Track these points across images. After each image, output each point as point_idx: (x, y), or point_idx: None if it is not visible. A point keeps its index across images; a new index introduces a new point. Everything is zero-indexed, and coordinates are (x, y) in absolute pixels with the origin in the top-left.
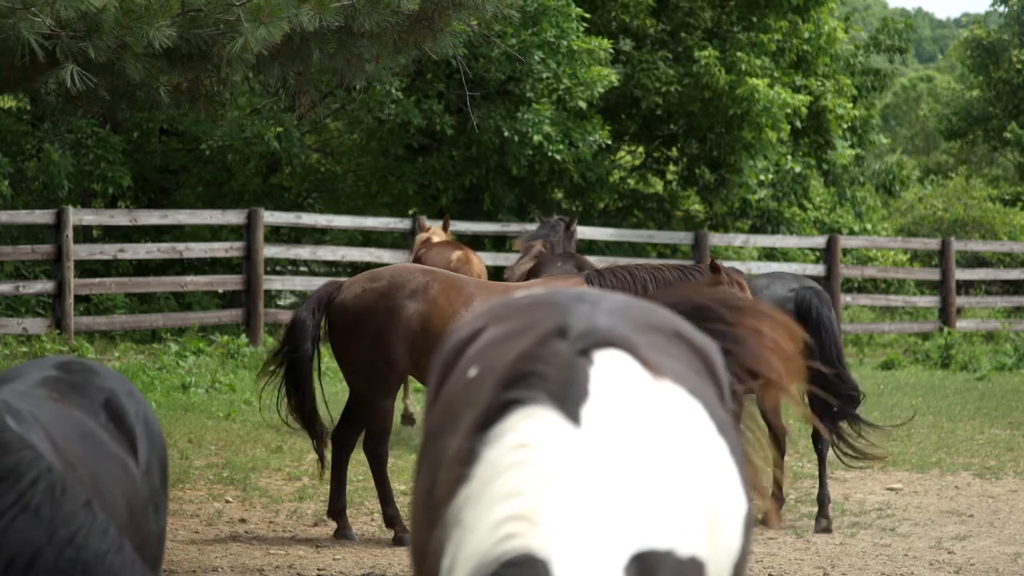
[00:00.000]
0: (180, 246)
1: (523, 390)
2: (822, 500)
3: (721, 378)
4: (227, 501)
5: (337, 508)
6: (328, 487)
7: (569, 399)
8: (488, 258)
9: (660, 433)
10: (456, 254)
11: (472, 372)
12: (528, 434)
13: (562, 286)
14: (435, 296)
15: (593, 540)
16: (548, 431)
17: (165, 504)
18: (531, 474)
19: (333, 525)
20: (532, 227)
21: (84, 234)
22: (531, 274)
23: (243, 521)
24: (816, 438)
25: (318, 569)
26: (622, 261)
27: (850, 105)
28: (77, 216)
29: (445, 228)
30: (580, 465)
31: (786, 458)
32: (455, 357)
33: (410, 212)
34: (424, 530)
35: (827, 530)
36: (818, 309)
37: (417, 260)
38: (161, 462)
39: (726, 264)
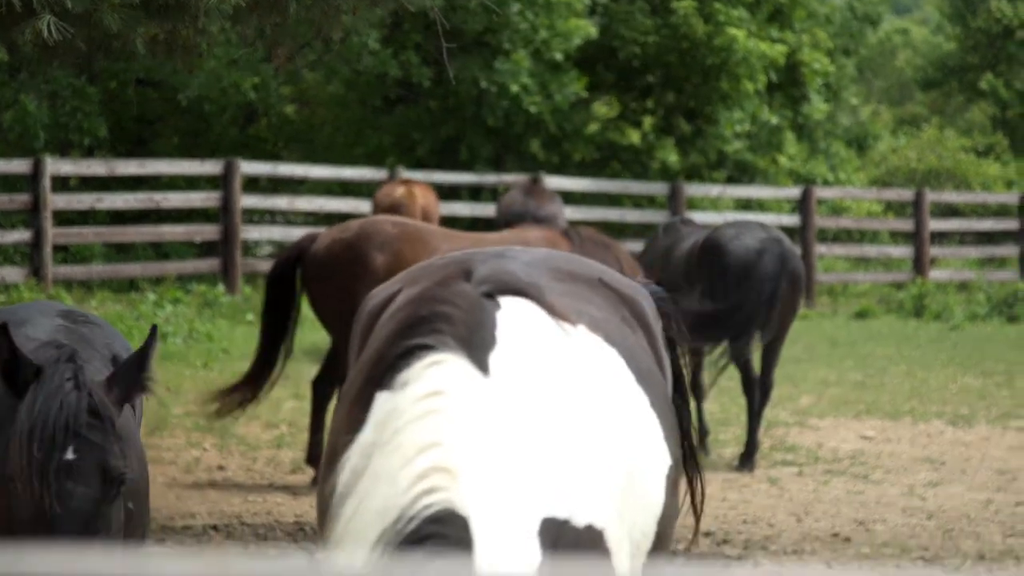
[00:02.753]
0: (157, 196)
1: (429, 335)
2: (750, 445)
3: (651, 326)
4: (205, 449)
5: (315, 455)
6: (306, 435)
7: (477, 346)
8: (465, 208)
9: (570, 387)
10: (400, 190)
11: (385, 332)
12: (439, 382)
13: (537, 238)
14: (400, 248)
15: (507, 500)
16: (459, 379)
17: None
18: (446, 424)
19: (311, 472)
20: (509, 178)
21: (61, 184)
22: None
23: (221, 468)
24: (748, 387)
25: (296, 516)
26: (598, 212)
27: (826, 60)
28: (54, 166)
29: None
30: (492, 419)
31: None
32: (371, 322)
33: (387, 163)
34: (326, 482)
35: (750, 471)
36: (783, 261)
37: (373, 207)
38: (139, 419)
39: (701, 215)
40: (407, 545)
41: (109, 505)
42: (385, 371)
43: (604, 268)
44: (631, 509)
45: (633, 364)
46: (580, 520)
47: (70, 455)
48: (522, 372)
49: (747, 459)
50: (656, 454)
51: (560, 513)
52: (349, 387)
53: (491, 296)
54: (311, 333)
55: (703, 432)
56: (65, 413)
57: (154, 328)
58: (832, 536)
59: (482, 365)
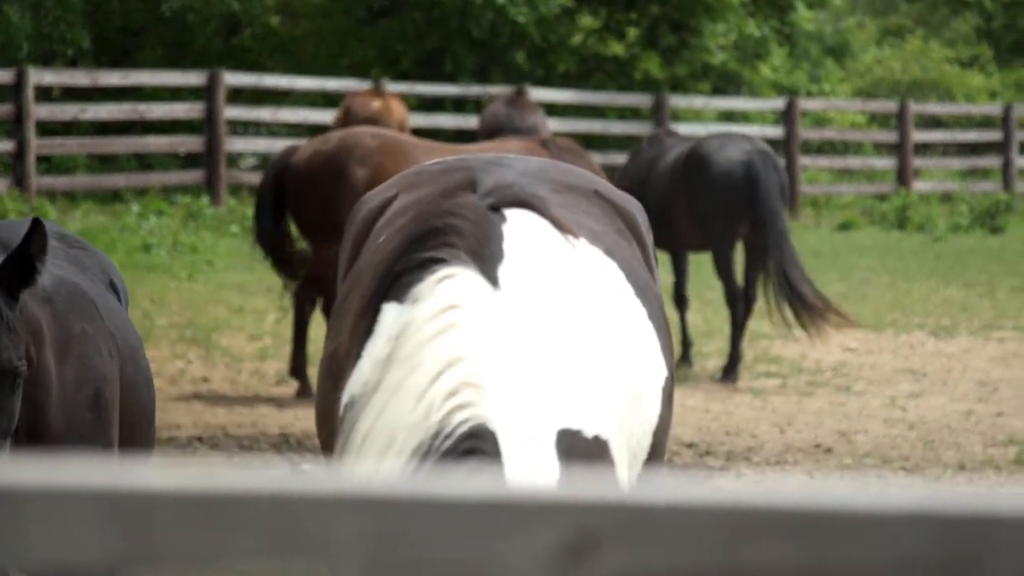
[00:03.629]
0: (141, 107)
1: (441, 248)
2: (733, 357)
3: (644, 238)
4: (189, 361)
5: (298, 367)
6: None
7: (487, 259)
8: (449, 120)
9: (577, 300)
10: (376, 103)
11: (381, 239)
12: (454, 295)
13: (517, 147)
14: (381, 161)
15: (527, 413)
16: (473, 293)
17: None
18: (467, 338)
19: (295, 384)
20: (493, 90)
21: (44, 94)
22: None
23: (205, 380)
24: (731, 299)
25: (280, 427)
26: (582, 124)
27: None
28: (37, 76)
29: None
30: (506, 333)
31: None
32: (367, 228)
33: (372, 75)
34: (330, 393)
35: (733, 382)
36: (767, 173)
37: (345, 113)
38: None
39: (685, 127)
40: (447, 459)
41: (6, 398)
42: (393, 283)
43: (599, 179)
44: (631, 420)
45: (632, 277)
46: (589, 431)
47: None
48: (530, 285)
49: (730, 371)
50: (654, 367)
51: (573, 424)
52: (348, 297)
53: (496, 208)
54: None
55: (686, 344)
56: None
57: (36, 220)
58: (814, 447)
59: (492, 279)
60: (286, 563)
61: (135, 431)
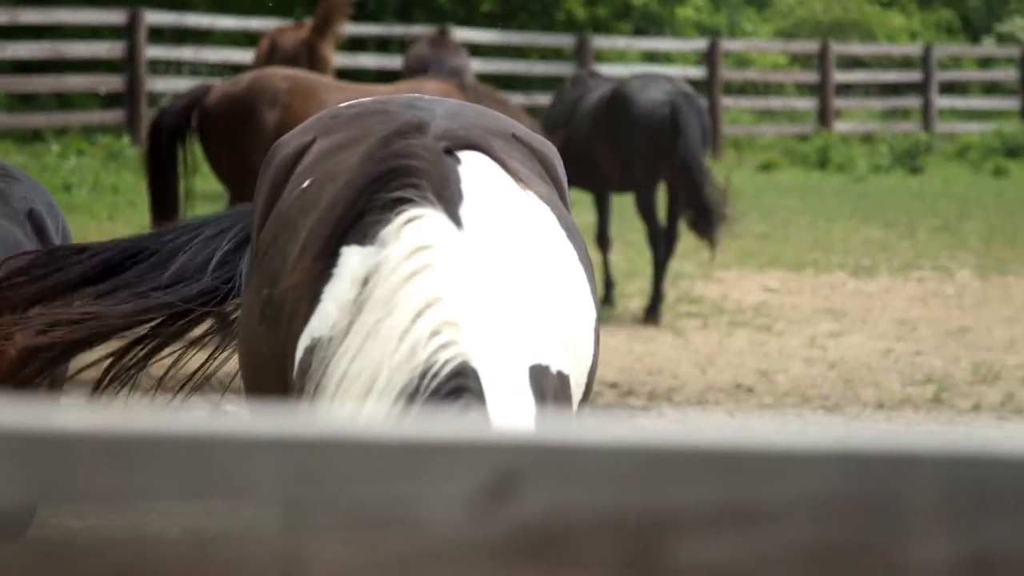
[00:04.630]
0: (61, 45)
1: (407, 189)
2: (655, 297)
3: (561, 181)
4: None
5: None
6: None
7: (448, 199)
8: (371, 60)
9: (529, 241)
10: (300, 34)
11: (306, 184)
12: (425, 236)
13: (431, 89)
14: (291, 102)
15: (502, 351)
16: (441, 233)
17: None
18: (442, 277)
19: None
20: (416, 30)
21: None
22: None
23: None
24: (653, 239)
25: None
26: (505, 65)
27: None
28: None
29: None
30: (475, 272)
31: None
32: (285, 174)
33: (295, 14)
34: (263, 339)
35: (655, 323)
36: (688, 113)
37: (269, 47)
38: None
39: (608, 68)
40: (435, 398)
41: None
42: (353, 224)
43: (514, 122)
44: (574, 359)
45: (561, 220)
46: (555, 367)
47: None
48: (489, 226)
49: (652, 311)
50: (587, 307)
51: (542, 360)
52: (279, 242)
53: (449, 151)
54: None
55: (609, 284)
56: None
57: None
58: (735, 387)
59: (456, 219)
60: (205, 504)
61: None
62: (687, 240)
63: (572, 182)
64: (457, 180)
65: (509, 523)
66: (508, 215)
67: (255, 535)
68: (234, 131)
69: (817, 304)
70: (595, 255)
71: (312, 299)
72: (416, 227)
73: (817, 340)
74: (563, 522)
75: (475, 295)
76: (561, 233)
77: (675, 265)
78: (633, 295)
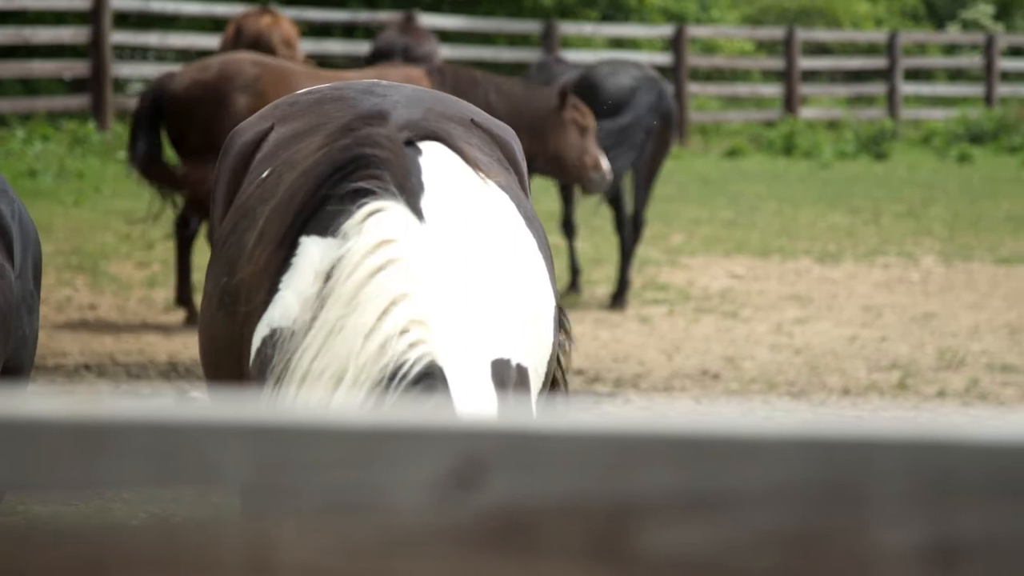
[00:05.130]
0: (26, 31)
1: (369, 180)
2: (622, 284)
3: (521, 167)
4: (76, 288)
5: (184, 295)
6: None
7: (410, 191)
8: (338, 47)
9: (489, 233)
10: (266, 19)
11: (265, 173)
12: (388, 230)
13: (397, 76)
14: (264, 89)
15: (466, 347)
16: (404, 227)
17: (38, 306)
18: (408, 274)
19: (183, 312)
20: (383, 16)
21: None
22: None
23: (92, 307)
24: (620, 225)
25: (168, 355)
26: (472, 51)
27: None
28: None
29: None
30: (438, 266)
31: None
32: (244, 162)
33: None
34: (221, 326)
35: (621, 309)
36: (657, 98)
37: (235, 32)
38: (35, 262)
39: (574, 54)
40: (407, 398)
41: None
42: (314, 214)
43: (474, 108)
44: (533, 349)
45: (521, 208)
46: (514, 360)
47: None
48: (450, 219)
49: (618, 297)
50: (547, 296)
51: (503, 354)
52: (238, 231)
53: (410, 141)
54: None
55: (575, 271)
56: None
57: None
58: (701, 373)
59: (418, 212)
60: (172, 490)
61: (17, 356)
62: (653, 227)
63: (539, 169)
64: (418, 171)
65: (475, 510)
66: (468, 207)
67: (223, 521)
68: (204, 117)
69: (783, 290)
70: (561, 242)
71: (270, 288)
72: (379, 220)
73: (783, 326)
74: (529, 509)
75: (440, 291)
76: (520, 222)
77: (641, 252)
78: (599, 282)
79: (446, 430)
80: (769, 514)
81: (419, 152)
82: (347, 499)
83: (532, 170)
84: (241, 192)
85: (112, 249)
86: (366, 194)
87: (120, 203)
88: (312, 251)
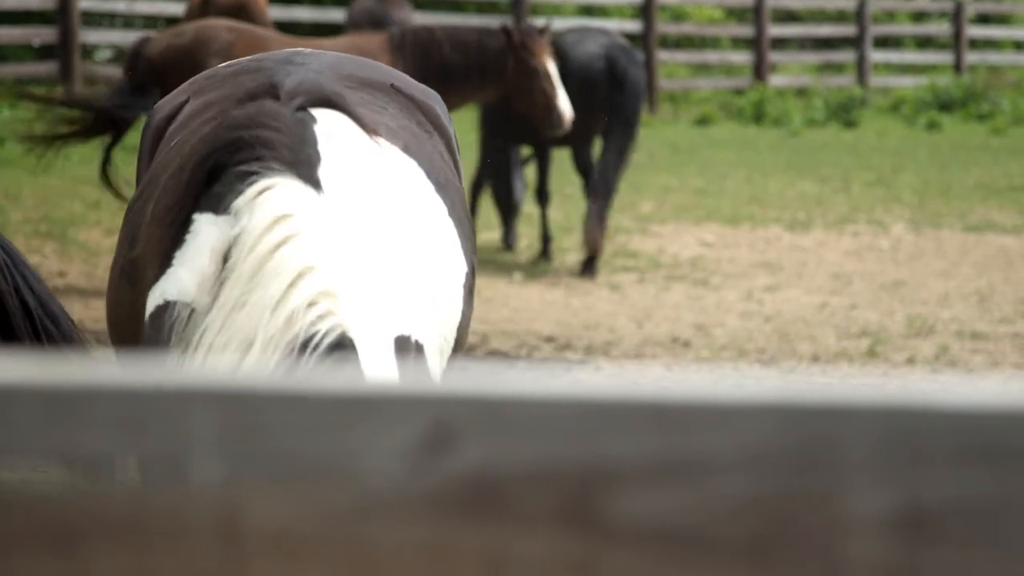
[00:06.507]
0: None
1: (252, 162)
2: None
3: (446, 129)
4: (45, 255)
5: None
6: None
7: (304, 163)
8: (307, 13)
9: (388, 201)
10: None
11: (173, 143)
12: (283, 205)
13: (365, 43)
14: (238, 55)
15: (373, 321)
16: (300, 200)
17: None
18: (310, 246)
19: None
20: None
21: None
22: None
23: (62, 275)
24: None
25: None
26: (441, 18)
27: None
28: None
29: None
30: (341, 237)
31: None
32: (158, 135)
33: None
34: (123, 295)
35: (592, 277)
36: (626, 67)
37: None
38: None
39: (543, 21)
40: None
41: None
42: (203, 192)
43: (395, 72)
44: (437, 319)
45: (432, 174)
46: (414, 336)
47: None
48: (348, 188)
49: (589, 265)
50: (455, 263)
51: (404, 330)
52: (146, 203)
53: (303, 108)
54: None
55: (546, 239)
56: None
57: None
58: (672, 340)
59: (314, 182)
60: (143, 458)
61: None
62: (624, 194)
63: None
64: (313, 141)
65: (446, 476)
66: (364, 174)
67: (193, 487)
68: (178, 82)
69: (753, 258)
70: (534, 210)
71: (163, 262)
72: (271, 196)
73: (753, 294)
74: (500, 475)
75: (343, 262)
76: (429, 187)
77: (612, 219)
78: (570, 249)
79: (417, 395)
80: (739, 481)
81: (314, 120)
82: (319, 464)
83: (516, 112)
84: (154, 164)
85: (80, 216)
86: (252, 175)
87: (89, 171)
88: (206, 229)
